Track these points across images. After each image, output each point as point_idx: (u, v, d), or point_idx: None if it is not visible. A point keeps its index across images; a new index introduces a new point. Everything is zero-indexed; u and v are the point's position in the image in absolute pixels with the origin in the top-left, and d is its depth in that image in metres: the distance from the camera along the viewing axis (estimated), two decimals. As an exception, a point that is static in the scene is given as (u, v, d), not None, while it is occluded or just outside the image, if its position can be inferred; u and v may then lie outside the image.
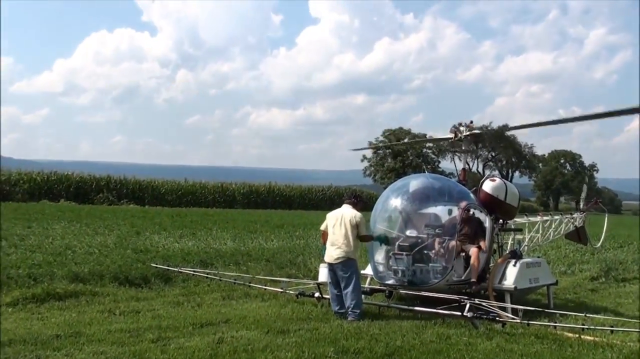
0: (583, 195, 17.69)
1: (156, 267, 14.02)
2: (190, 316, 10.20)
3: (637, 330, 9.00)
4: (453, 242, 11.04)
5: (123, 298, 11.75)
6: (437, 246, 11.14)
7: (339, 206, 10.83)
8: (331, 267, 10.44)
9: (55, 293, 11.41)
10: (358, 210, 10.61)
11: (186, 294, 12.37)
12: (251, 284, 12.61)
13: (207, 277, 13.46)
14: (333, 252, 10.38)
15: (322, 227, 10.80)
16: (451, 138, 12.89)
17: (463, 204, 11.42)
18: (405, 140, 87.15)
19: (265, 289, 12.38)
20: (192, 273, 13.75)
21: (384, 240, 11.14)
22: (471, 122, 12.84)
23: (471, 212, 11.63)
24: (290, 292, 11.86)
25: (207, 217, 34.68)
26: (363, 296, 11.48)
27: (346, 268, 10.25)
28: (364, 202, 11.15)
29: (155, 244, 18.69)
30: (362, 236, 10.49)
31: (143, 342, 8.28)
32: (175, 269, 13.87)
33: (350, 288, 10.17)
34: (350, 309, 10.14)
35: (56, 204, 41.04)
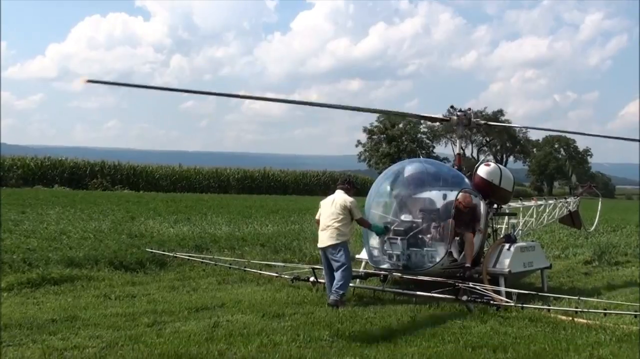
0: (573, 179, 17.76)
1: (151, 252, 14.03)
2: (185, 300, 10.22)
3: (630, 313, 9.08)
4: (448, 227, 11.06)
5: (118, 282, 11.76)
6: (432, 230, 11.17)
7: (334, 191, 10.80)
8: (324, 252, 10.43)
9: (51, 278, 11.41)
10: (351, 196, 10.54)
11: (181, 279, 12.39)
12: (246, 269, 12.64)
13: (202, 262, 13.48)
14: (324, 236, 10.35)
15: (317, 216, 10.77)
16: (447, 119, 12.88)
17: (461, 196, 11.21)
18: (400, 125, 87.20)
19: (260, 273, 12.41)
20: (187, 257, 13.77)
21: (382, 231, 10.98)
22: (469, 109, 12.84)
23: (471, 201, 11.54)
24: (285, 276, 11.89)
25: (202, 202, 34.68)
26: (358, 280, 11.53)
27: (336, 251, 10.18)
28: (357, 187, 11.08)
29: (150, 229, 18.68)
30: (357, 219, 10.47)
31: (139, 326, 8.30)
32: (171, 254, 13.88)
33: (339, 270, 10.12)
34: (335, 288, 10.06)
35: (50, 190, 40.98)
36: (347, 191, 10.59)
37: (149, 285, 11.71)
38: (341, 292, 10.02)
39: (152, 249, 14.30)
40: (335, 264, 10.20)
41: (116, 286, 11.41)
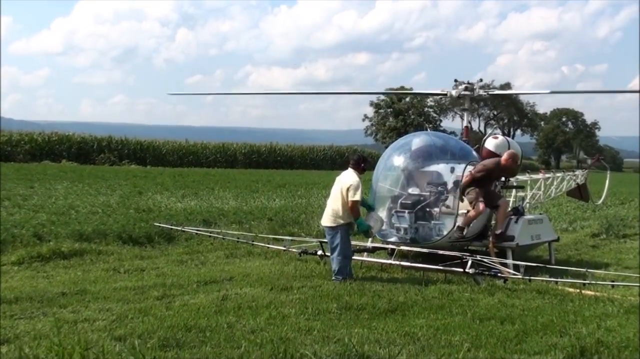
0: (581, 155, 17.71)
1: (160, 226, 14.09)
2: (194, 274, 10.29)
3: (637, 284, 9.08)
4: (455, 200, 11.05)
5: (127, 256, 11.85)
6: (439, 203, 11.15)
7: (341, 166, 10.53)
8: (325, 230, 10.35)
9: (60, 252, 11.51)
10: (360, 173, 10.09)
11: (190, 253, 12.46)
12: (254, 243, 12.68)
13: (210, 236, 13.54)
14: (324, 215, 10.22)
15: None
16: (444, 94, 12.83)
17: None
18: (407, 99, 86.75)
19: (268, 247, 12.45)
20: (195, 232, 13.82)
21: (365, 229, 10.24)
22: (481, 79, 12.76)
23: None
24: (293, 250, 11.93)
25: (209, 177, 34.75)
26: (366, 253, 11.55)
27: (332, 234, 10.01)
28: (363, 166, 10.19)
29: (157, 204, 18.76)
30: (349, 202, 9.79)
31: (148, 299, 8.36)
32: (179, 228, 13.94)
33: (335, 253, 9.97)
34: (334, 274, 9.95)
35: (58, 165, 41.08)
36: (356, 168, 10.11)
37: (158, 259, 11.79)
38: (340, 277, 9.80)
39: (160, 223, 14.36)
40: (332, 246, 10.07)
41: (125, 260, 11.49)
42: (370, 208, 10.58)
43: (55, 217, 14.52)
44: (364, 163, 10.25)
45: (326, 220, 10.15)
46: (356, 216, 9.96)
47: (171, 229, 13.94)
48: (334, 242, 10.01)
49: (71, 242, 12.23)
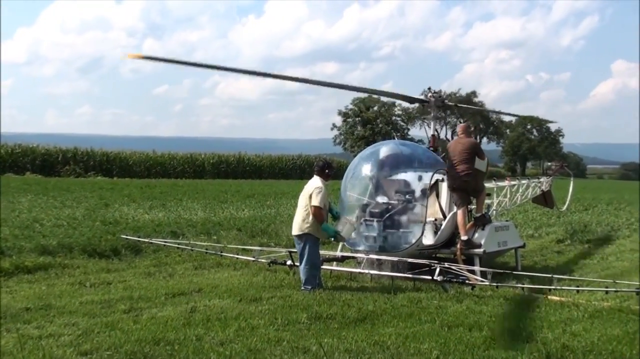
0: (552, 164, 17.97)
1: (126, 238, 13.90)
2: (162, 286, 10.17)
3: (601, 289, 9.25)
4: (423, 208, 11.15)
5: (93, 269, 11.67)
6: (407, 212, 11.23)
7: (310, 175, 10.52)
8: (294, 239, 10.32)
9: (24, 266, 11.28)
10: (325, 179, 10.10)
11: (157, 265, 12.32)
12: (223, 254, 12.60)
13: (178, 247, 13.41)
14: (293, 226, 10.18)
15: None
16: (426, 101, 12.94)
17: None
18: (375, 108, 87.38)
19: (237, 258, 12.38)
20: (163, 243, 13.67)
21: (331, 234, 10.23)
22: (439, 90, 12.94)
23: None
24: (262, 260, 11.88)
25: (177, 188, 34.46)
26: (335, 263, 11.56)
27: (300, 242, 10.00)
28: (327, 172, 10.17)
29: (124, 215, 18.52)
30: (312, 206, 9.76)
31: (115, 313, 8.24)
32: (146, 240, 13.77)
33: (302, 263, 9.95)
34: (302, 284, 9.92)
35: (21, 177, 40.32)
36: (321, 175, 10.12)
37: (125, 272, 11.63)
38: (309, 287, 9.77)
39: (127, 235, 14.18)
40: (300, 255, 10.05)
41: (91, 274, 11.31)
42: (335, 217, 10.52)
43: (18, 231, 14.24)
44: (329, 169, 10.21)
45: (294, 229, 10.14)
46: (320, 221, 9.88)
47: (138, 241, 13.77)
48: (302, 251, 10.00)
49: (35, 256, 12.00)
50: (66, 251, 12.63)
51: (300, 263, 10.04)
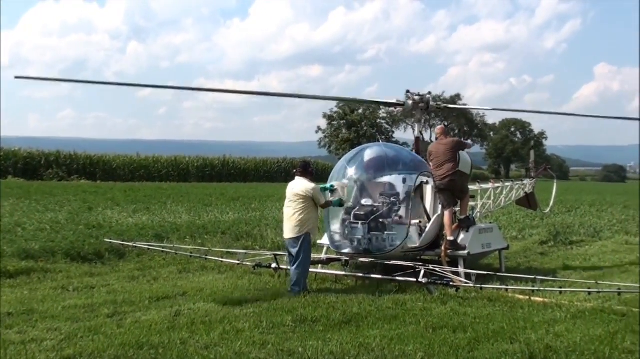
0: (531, 159, 18.10)
1: (110, 242, 13.82)
2: (146, 290, 10.11)
3: (584, 290, 9.33)
4: (408, 211, 11.20)
5: (76, 274, 11.57)
6: (392, 214, 11.27)
7: (293, 177, 10.59)
8: (287, 243, 10.34)
9: (6, 271, 11.15)
10: (310, 178, 10.33)
11: (141, 269, 12.25)
12: (207, 257, 12.55)
13: (162, 251, 13.34)
14: (285, 227, 10.22)
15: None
16: (401, 104, 12.96)
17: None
18: (360, 111, 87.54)
19: (221, 261, 12.34)
20: (147, 247, 13.60)
21: (339, 204, 10.84)
22: (429, 93, 12.96)
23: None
24: (247, 264, 11.85)
25: (161, 191, 34.31)
26: (320, 265, 11.56)
27: (296, 244, 10.03)
28: (311, 172, 10.54)
29: (108, 219, 18.40)
30: (322, 205, 10.31)
31: (99, 317, 8.19)
32: (130, 244, 13.69)
33: (296, 264, 9.99)
34: (291, 284, 9.96)
35: (3, 181, 39.91)
36: (304, 175, 10.30)
37: (108, 276, 11.55)
38: (297, 289, 9.81)
39: (110, 239, 14.09)
40: (293, 258, 10.08)
41: (74, 278, 11.22)
42: (332, 191, 11.06)
43: (0, 235, 14.09)
44: (311, 168, 10.63)
45: (288, 232, 10.15)
46: (330, 204, 10.65)
47: (122, 245, 13.69)
48: (297, 252, 10.02)
49: (17, 260, 11.88)
50: (49, 255, 12.51)
51: (293, 264, 10.05)
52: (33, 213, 19.16)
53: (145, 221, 18.14)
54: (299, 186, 10.18)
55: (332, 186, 11.09)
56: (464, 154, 12.54)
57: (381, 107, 79.63)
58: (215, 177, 57.96)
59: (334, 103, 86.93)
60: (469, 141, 12.12)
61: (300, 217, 10.03)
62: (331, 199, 10.79)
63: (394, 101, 13.13)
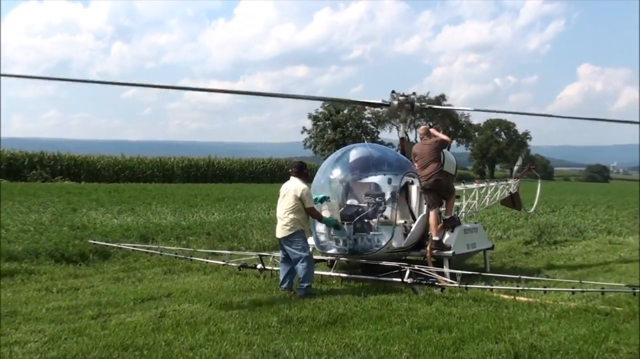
0: (519, 162, 18.21)
1: (94, 243, 13.73)
2: (130, 291, 10.06)
3: (568, 289, 9.40)
4: (393, 211, 11.22)
5: (60, 275, 11.48)
6: (377, 214, 11.28)
7: (281, 179, 10.59)
8: (280, 242, 10.28)
9: (-11, 273, 11.05)
10: (305, 180, 10.32)
11: (126, 270, 12.18)
12: (192, 258, 12.51)
13: (147, 252, 13.28)
14: (279, 227, 10.20)
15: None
16: (387, 104, 13.00)
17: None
18: (345, 111, 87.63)
19: (207, 262, 12.29)
20: (131, 248, 13.53)
21: (333, 224, 10.73)
22: (414, 93, 13.01)
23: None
24: (233, 264, 11.83)
25: (146, 192, 34.15)
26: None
27: (292, 243, 10.02)
28: (306, 173, 10.49)
29: (92, 220, 18.29)
30: (307, 209, 10.13)
31: (83, 319, 8.12)
32: (115, 245, 13.62)
33: (299, 262, 9.96)
34: (300, 282, 9.93)
35: (-14, 182, 39.56)
36: (299, 175, 10.28)
37: (93, 277, 11.47)
38: (305, 285, 9.81)
39: (94, 240, 14.00)
40: (293, 257, 10.03)
41: (58, 279, 11.13)
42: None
43: (-17, 237, 13.97)
44: (306, 169, 10.50)
45: (282, 231, 10.11)
46: (319, 218, 10.48)
47: (107, 246, 13.61)
48: (294, 251, 9.98)
49: (0, 262, 11.78)
50: (32, 257, 12.42)
51: (295, 262, 10.00)
52: (16, 214, 19.01)
53: (129, 222, 18.05)
54: (292, 186, 10.19)
55: (325, 197, 10.90)
56: (448, 154, 12.59)
57: (366, 107, 79.85)
58: (200, 178, 57.81)
59: (319, 104, 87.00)
60: (445, 136, 12.25)
61: (292, 216, 10.03)
62: (324, 213, 10.63)
63: (379, 101, 13.15)
